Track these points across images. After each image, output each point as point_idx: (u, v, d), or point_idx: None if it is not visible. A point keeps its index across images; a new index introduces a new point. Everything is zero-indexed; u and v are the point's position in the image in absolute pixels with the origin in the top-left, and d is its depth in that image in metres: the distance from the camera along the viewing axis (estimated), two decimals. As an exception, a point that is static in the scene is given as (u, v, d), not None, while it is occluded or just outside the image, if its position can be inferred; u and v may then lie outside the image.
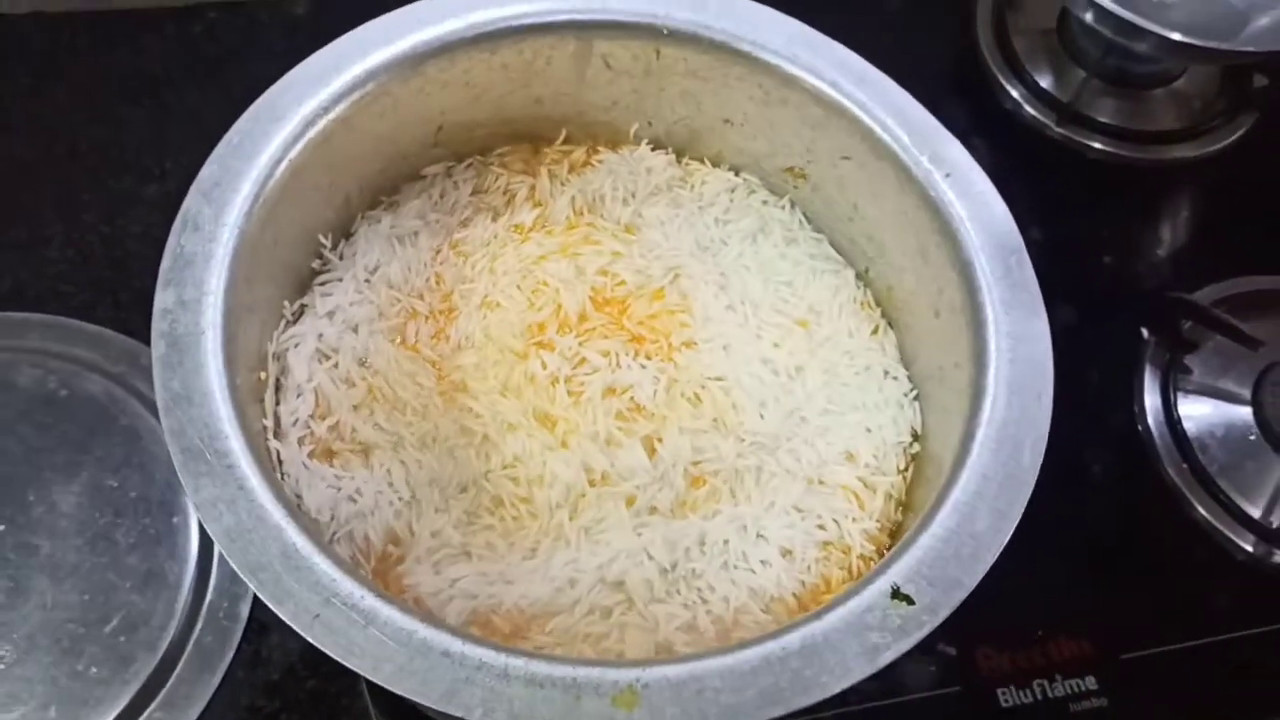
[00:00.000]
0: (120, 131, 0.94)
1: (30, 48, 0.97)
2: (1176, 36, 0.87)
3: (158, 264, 0.84)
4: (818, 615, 0.53)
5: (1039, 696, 0.74)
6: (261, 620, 0.73)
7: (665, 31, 0.69)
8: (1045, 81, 1.01)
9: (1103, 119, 0.99)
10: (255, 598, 0.69)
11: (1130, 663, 0.76)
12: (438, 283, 0.70)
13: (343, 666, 0.66)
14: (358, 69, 0.65)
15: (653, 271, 0.71)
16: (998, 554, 0.54)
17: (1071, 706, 0.74)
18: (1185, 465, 0.83)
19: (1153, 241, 0.97)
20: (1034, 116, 0.99)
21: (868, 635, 0.52)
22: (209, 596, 0.72)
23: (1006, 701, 0.73)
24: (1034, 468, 0.57)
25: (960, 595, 0.53)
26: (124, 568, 0.72)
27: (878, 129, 0.67)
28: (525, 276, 0.70)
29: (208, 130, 0.89)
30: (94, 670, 0.68)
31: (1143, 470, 0.84)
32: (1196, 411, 0.85)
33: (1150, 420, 0.85)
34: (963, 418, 0.59)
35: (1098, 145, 0.98)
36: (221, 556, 0.72)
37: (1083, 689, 0.74)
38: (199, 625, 0.72)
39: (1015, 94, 1.00)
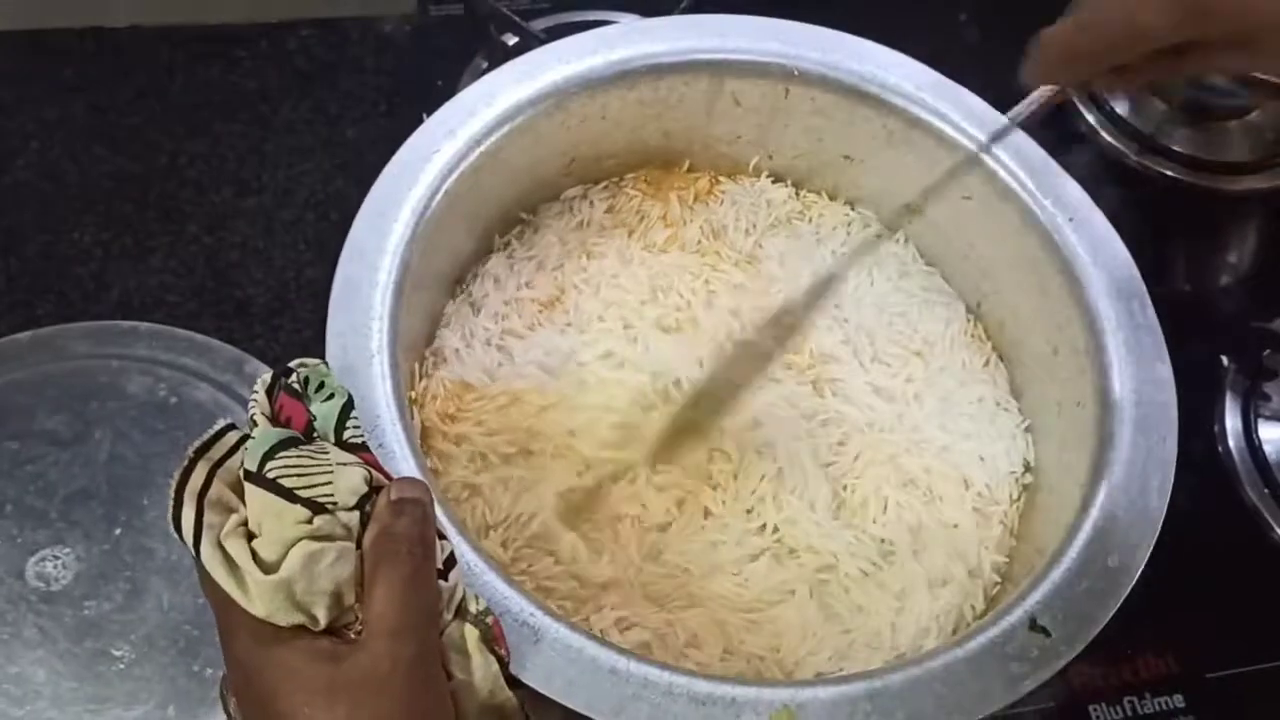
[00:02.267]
0: (218, 145, 0.95)
1: (129, 61, 0.99)
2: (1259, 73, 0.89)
3: (256, 274, 0.90)
4: (959, 643, 0.55)
5: (1129, 713, 0.75)
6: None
7: (795, 73, 0.71)
8: (1122, 110, 1.02)
9: (1177, 148, 1.01)
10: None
11: (1215, 681, 0.77)
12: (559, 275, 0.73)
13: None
14: (506, 102, 0.68)
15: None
16: (1129, 590, 0.57)
17: (1160, 723, 0.75)
18: (1267, 490, 0.85)
19: (1229, 270, 0.99)
20: (1110, 144, 1.01)
21: (1008, 665, 0.54)
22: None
23: (1098, 717, 0.75)
24: (1161, 509, 0.59)
25: (1094, 630, 0.56)
26: None
27: (1001, 172, 0.69)
28: (656, 275, 0.73)
29: (302, 144, 0.97)
30: (209, 671, 0.69)
31: (1225, 494, 0.85)
32: (1277, 436, 0.87)
33: (1231, 445, 0.87)
34: (1089, 455, 0.61)
35: (1172, 174, 1.00)
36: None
37: (1171, 706, 0.76)
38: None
39: (1092, 120, 1.02)
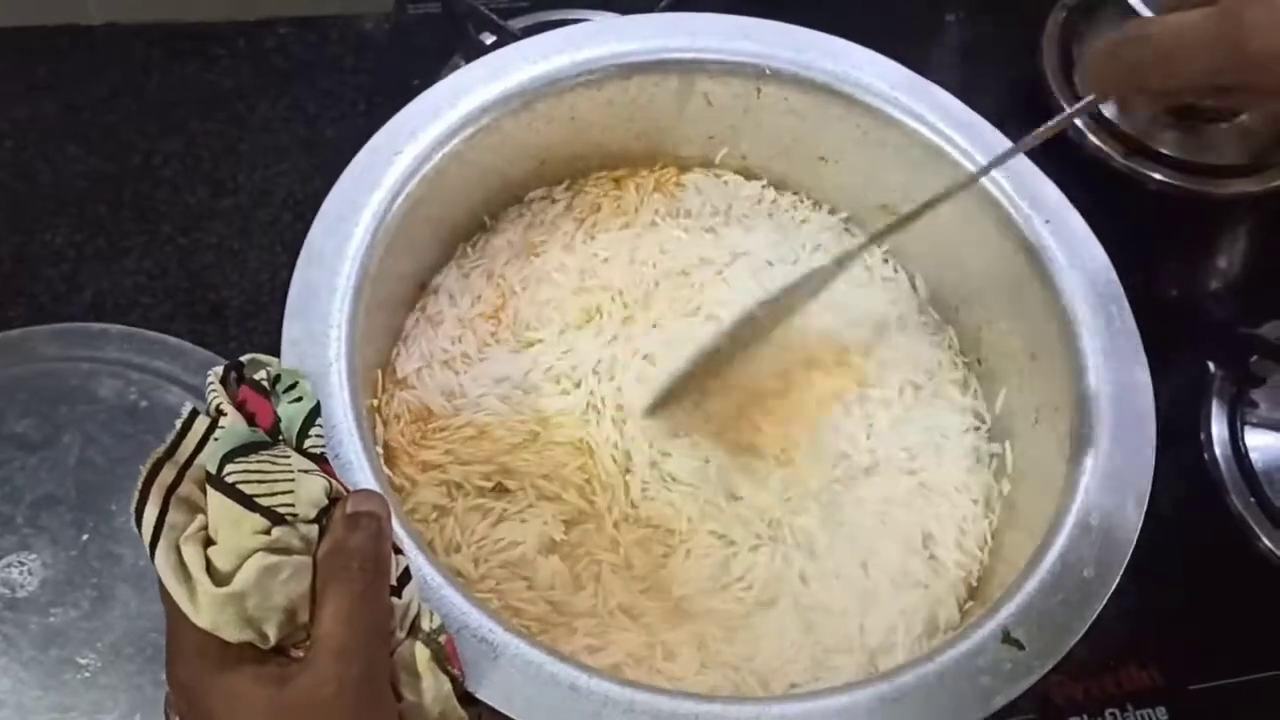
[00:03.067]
0: (194, 144, 0.95)
1: (105, 59, 0.98)
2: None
3: (231, 277, 0.89)
4: (930, 656, 0.54)
5: (1112, 727, 0.73)
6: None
7: (767, 71, 0.70)
8: (1108, 111, 1.01)
9: (1165, 151, 1.00)
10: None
11: (1199, 694, 0.76)
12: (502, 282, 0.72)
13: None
14: (472, 104, 0.66)
15: (715, 256, 0.72)
16: (1104, 602, 0.55)
17: (1144, 738, 0.73)
18: (1253, 499, 0.84)
19: (1217, 275, 0.98)
20: (1097, 146, 0.99)
21: (979, 679, 0.53)
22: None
23: (1080, 731, 0.73)
24: (1138, 518, 0.58)
25: (1069, 641, 0.54)
26: None
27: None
28: (589, 259, 0.72)
29: (279, 144, 0.96)
30: None
31: (1210, 502, 0.84)
32: (1263, 443, 0.86)
33: (1218, 452, 0.86)
34: (1063, 463, 0.60)
35: (1160, 177, 0.99)
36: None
37: (1153, 719, 0.75)
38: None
39: (1079, 122, 1.00)
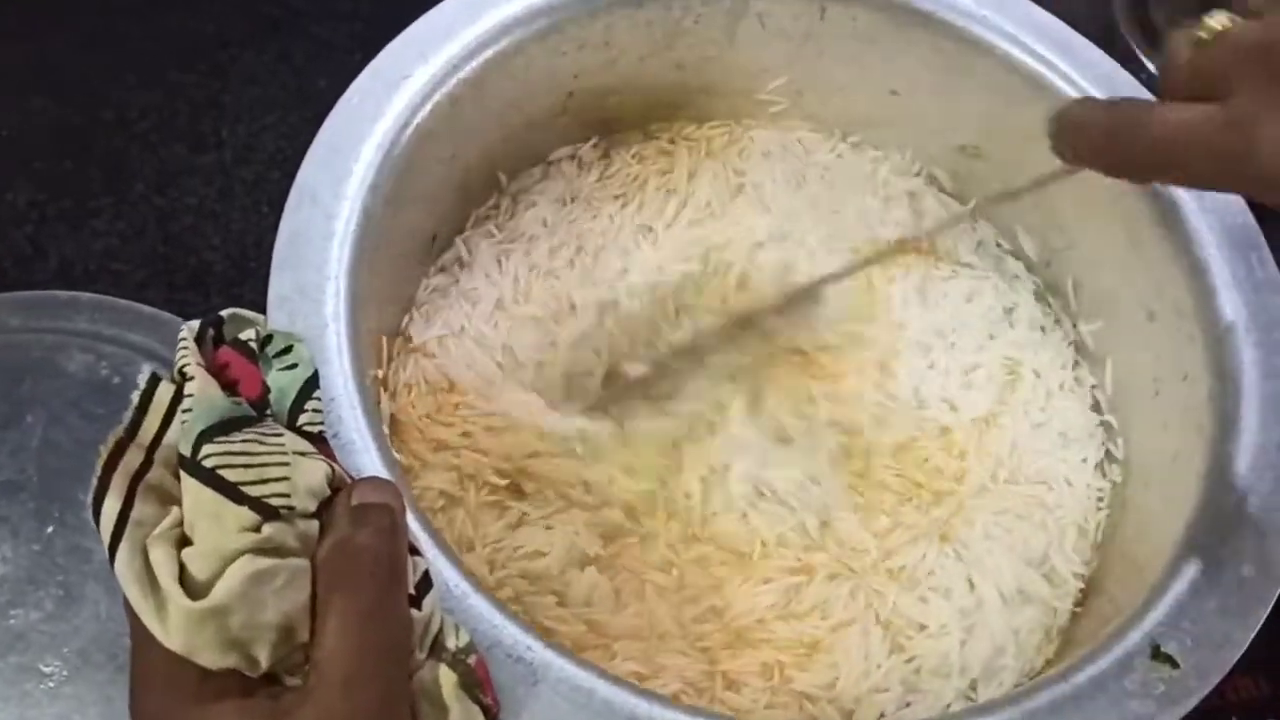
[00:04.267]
0: (172, 97, 0.89)
1: (77, 4, 0.92)
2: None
3: (212, 239, 0.82)
4: (1063, 676, 0.45)
5: (1218, 740, 0.67)
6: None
7: (835, -16, 0.61)
8: (1184, 58, 0.93)
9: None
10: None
11: (1314, 704, 0.69)
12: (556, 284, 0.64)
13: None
14: (491, 22, 0.58)
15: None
16: (1272, 604, 0.47)
17: (1254, 750, 0.67)
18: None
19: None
20: (1174, 93, 0.91)
21: (1127, 704, 0.45)
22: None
23: (1182, 745, 0.66)
24: None
25: (1233, 655, 0.46)
26: None
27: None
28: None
29: (266, 96, 0.89)
30: None
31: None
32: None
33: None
34: (1204, 440, 0.52)
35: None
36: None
37: (1266, 732, 0.67)
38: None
39: (1154, 68, 0.92)
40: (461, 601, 0.44)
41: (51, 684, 0.62)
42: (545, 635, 0.50)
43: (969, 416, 0.62)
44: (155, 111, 0.88)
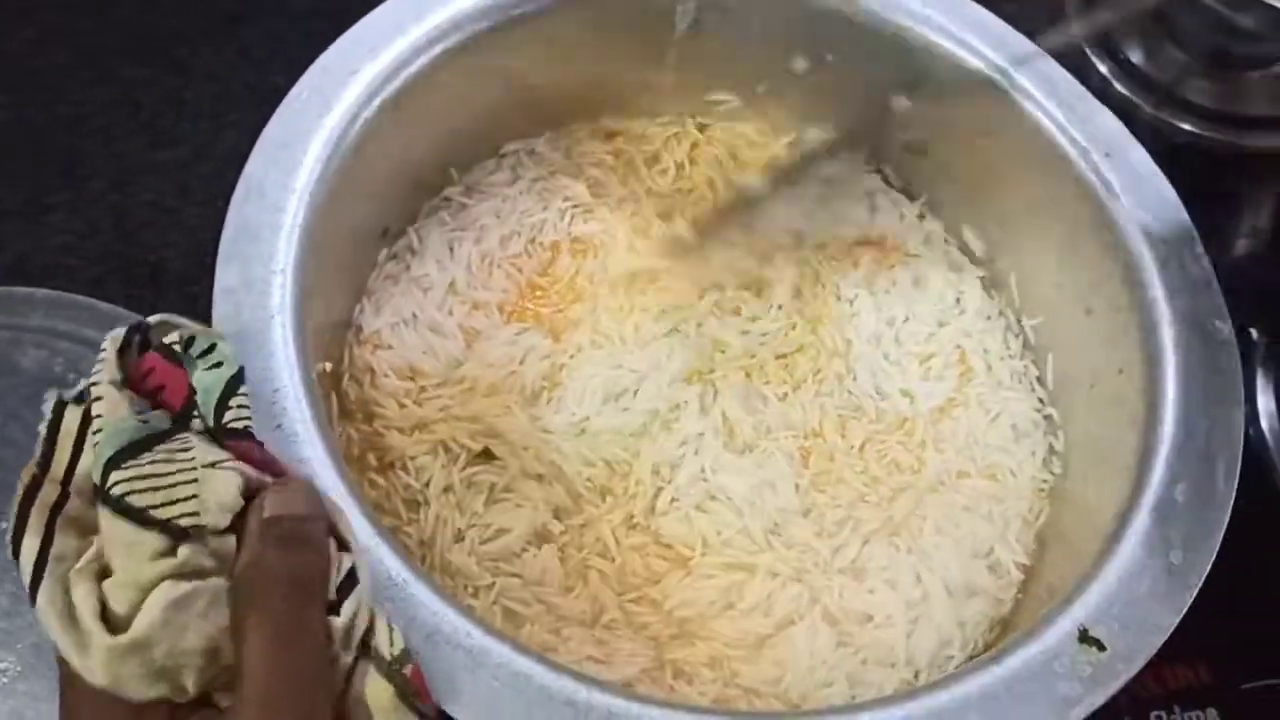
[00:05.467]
0: (130, 93, 0.88)
1: (31, 0, 0.90)
2: (1292, 8, 0.81)
3: (170, 236, 0.81)
4: (995, 659, 0.46)
5: (1158, 730, 0.67)
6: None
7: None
8: (1136, 58, 0.94)
9: (1196, 100, 0.92)
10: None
11: (1253, 693, 0.70)
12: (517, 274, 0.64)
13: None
14: (440, 18, 0.58)
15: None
16: (1197, 590, 0.48)
17: (1194, 742, 0.68)
18: (1305, 477, 0.76)
19: (1254, 233, 0.91)
20: (1124, 95, 0.92)
21: (1055, 685, 0.45)
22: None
23: (1123, 735, 0.67)
24: (1229, 492, 0.51)
25: (1158, 639, 0.48)
26: None
27: (1024, 100, 0.60)
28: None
29: (226, 92, 0.88)
30: None
31: (1258, 483, 0.76)
32: (1316, 418, 0.79)
33: (1265, 427, 0.79)
34: (1136, 430, 0.53)
35: (1189, 128, 0.92)
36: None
37: (1204, 721, 0.68)
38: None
39: (1104, 70, 0.93)
40: (403, 590, 0.44)
41: (5, 680, 0.62)
42: (510, 619, 0.52)
43: (927, 407, 0.63)
44: (113, 108, 0.87)
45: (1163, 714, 0.69)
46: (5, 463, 0.66)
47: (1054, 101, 0.60)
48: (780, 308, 0.64)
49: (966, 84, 0.61)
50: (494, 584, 0.54)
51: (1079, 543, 0.53)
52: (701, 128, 0.70)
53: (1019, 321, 0.66)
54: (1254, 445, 0.78)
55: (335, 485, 0.45)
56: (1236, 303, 0.82)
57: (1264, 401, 0.80)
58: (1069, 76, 0.61)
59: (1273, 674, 0.70)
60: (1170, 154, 0.89)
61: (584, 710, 0.43)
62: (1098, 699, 0.46)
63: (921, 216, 0.69)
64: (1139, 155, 0.60)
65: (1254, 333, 0.82)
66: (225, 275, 0.49)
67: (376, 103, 0.55)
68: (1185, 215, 0.58)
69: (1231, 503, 0.51)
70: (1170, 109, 0.92)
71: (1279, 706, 0.69)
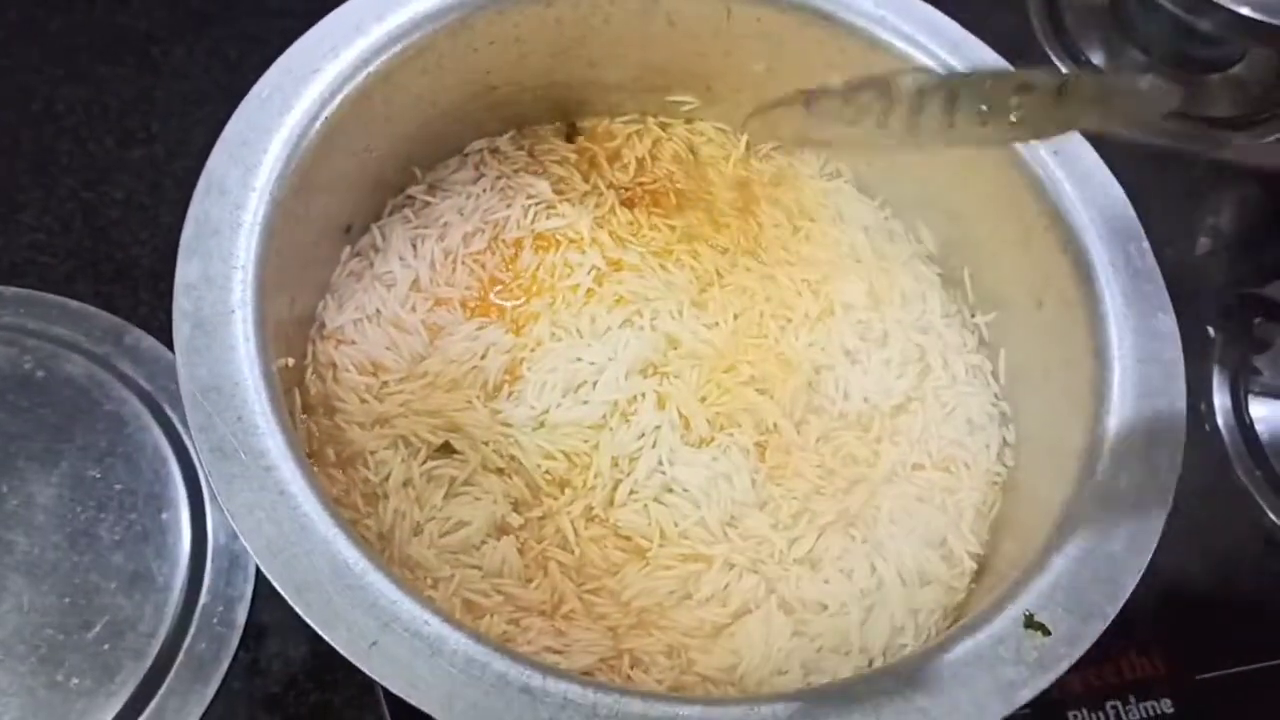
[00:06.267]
0: (101, 91, 0.88)
1: None
2: (1245, 11, 0.81)
3: (140, 234, 0.82)
4: (943, 646, 0.47)
5: (1113, 719, 0.69)
6: (260, 626, 0.66)
7: (739, -15, 0.62)
8: (1098, 60, 0.95)
9: (1154, 103, 0.94)
10: (253, 601, 0.65)
11: (1207, 683, 0.71)
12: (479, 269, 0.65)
13: (350, 678, 0.61)
14: (401, 18, 0.58)
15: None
16: (1138, 578, 0.49)
17: (1147, 731, 0.68)
18: (1258, 472, 0.78)
19: (1213, 233, 0.92)
20: (1084, 99, 0.93)
21: (1001, 670, 0.46)
22: (202, 600, 0.66)
23: (1078, 725, 0.67)
24: (1171, 481, 0.52)
25: (1100, 625, 0.48)
26: (108, 567, 0.65)
27: (976, 101, 0.60)
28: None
29: (197, 90, 0.89)
30: (75, 681, 0.62)
31: (1214, 476, 0.79)
32: (1268, 413, 0.80)
33: (1220, 423, 0.80)
34: (1084, 420, 0.54)
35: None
36: (216, 556, 0.66)
37: (1158, 712, 0.69)
38: (191, 631, 0.65)
39: (1066, 71, 0.94)
40: (361, 579, 0.45)
41: (-29, 672, 0.62)
42: (470, 609, 0.53)
43: (887, 405, 0.63)
44: (84, 106, 0.87)
45: (1119, 705, 0.70)
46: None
47: (1006, 101, 0.60)
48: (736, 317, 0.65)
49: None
50: (453, 576, 0.55)
51: (1030, 533, 0.54)
52: (663, 126, 0.71)
53: (973, 318, 0.67)
54: (1210, 441, 0.80)
55: (294, 477, 0.46)
56: (1195, 302, 0.84)
57: (1220, 399, 0.81)
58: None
59: (1228, 664, 0.71)
60: (1132, 155, 0.91)
61: (540, 696, 0.43)
62: (1042, 682, 0.46)
63: (886, 217, 0.71)
64: (1086, 153, 0.61)
65: (1211, 331, 0.83)
66: (186, 271, 0.50)
67: (337, 101, 0.56)
68: (1131, 211, 0.59)
69: (1173, 491, 0.52)
70: (1129, 111, 0.93)
71: (1232, 696, 0.71)
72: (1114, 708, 0.69)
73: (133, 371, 0.71)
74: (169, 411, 0.70)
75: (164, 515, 0.67)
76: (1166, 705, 0.70)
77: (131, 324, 0.74)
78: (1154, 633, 0.72)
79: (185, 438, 0.69)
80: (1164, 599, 0.73)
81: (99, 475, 0.67)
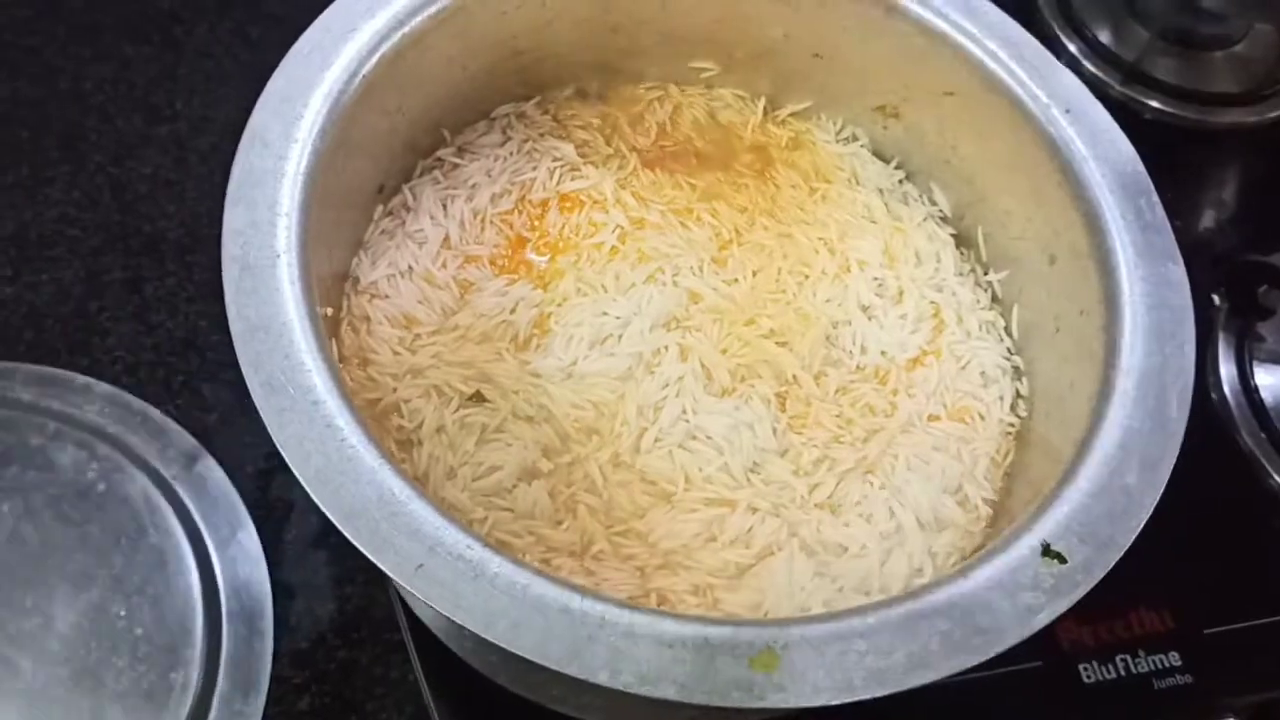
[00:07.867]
0: (127, 70, 0.90)
1: None
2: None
3: (167, 208, 0.84)
4: (963, 573, 0.48)
5: (1122, 672, 0.70)
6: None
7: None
8: (1104, 37, 0.97)
9: (1162, 78, 0.96)
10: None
11: (1214, 637, 0.72)
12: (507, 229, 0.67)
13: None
14: (436, -19, 0.60)
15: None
16: (1151, 510, 0.50)
17: (1155, 683, 0.70)
18: (1264, 435, 0.80)
19: (1218, 205, 0.94)
20: (1093, 74, 0.95)
21: (1020, 595, 0.48)
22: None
23: (1089, 677, 0.69)
24: (1182, 419, 0.53)
25: (1115, 555, 0.49)
26: (105, 717, 0.63)
27: (989, 61, 0.63)
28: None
29: (220, 69, 0.91)
30: None
31: (1219, 440, 0.80)
32: (1273, 380, 0.82)
33: (1226, 389, 0.82)
34: (1097, 366, 0.55)
35: (1156, 105, 0.95)
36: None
37: (1166, 665, 0.71)
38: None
39: (1073, 49, 0.97)
40: (405, 506, 0.46)
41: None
42: (504, 549, 0.52)
43: (902, 358, 0.65)
44: (110, 84, 0.89)
45: (1128, 658, 0.71)
46: (8, 565, 0.66)
47: (1017, 62, 0.62)
48: (755, 274, 0.66)
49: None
50: (486, 517, 0.56)
51: (1043, 482, 0.55)
52: (683, 92, 0.73)
53: (986, 276, 0.68)
54: (1216, 409, 0.81)
55: (340, 411, 0.48)
56: (1201, 271, 0.85)
57: (1225, 368, 0.83)
58: (1032, 40, 0.63)
59: (1234, 619, 0.73)
60: (1138, 129, 0.93)
61: (578, 617, 0.45)
62: (1060, 606, 0.47)
63: (901, 181, 0.72)
64: (1097, 111, 0.62)
65: (1216, 299, 0.85)
66: (233, 217, 0.52)
67: (374, 59, 0.57)
68: (1141, 167, 0.60)
69: (1183, 429, 0.53)
70: (1138, 86, 0.95)
71: (1238, 651, 0.72)
72: (1123, 660, 0.71)
73: (192, 504, 0.69)
74: (213, 555, 0.68)
75: (173, 675, 0.64)
76: (1175, 658, 0.71)
77: (208, 451, 0.72)
78: (1164, 589, 0.73)
79: (221, 590, 0.67)
80: (1173, 557, 0.75)
81: (123, 614, 0.65)
